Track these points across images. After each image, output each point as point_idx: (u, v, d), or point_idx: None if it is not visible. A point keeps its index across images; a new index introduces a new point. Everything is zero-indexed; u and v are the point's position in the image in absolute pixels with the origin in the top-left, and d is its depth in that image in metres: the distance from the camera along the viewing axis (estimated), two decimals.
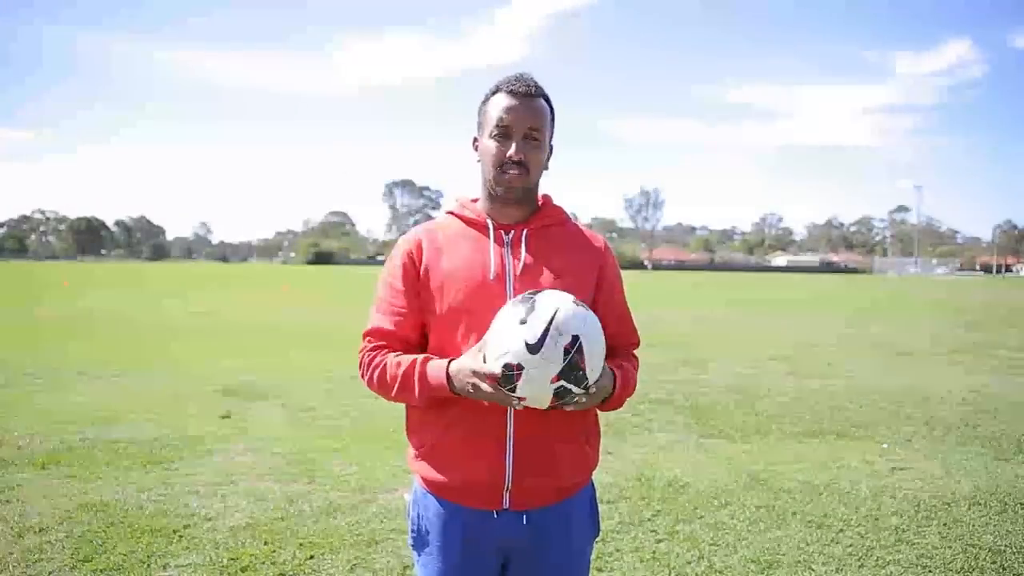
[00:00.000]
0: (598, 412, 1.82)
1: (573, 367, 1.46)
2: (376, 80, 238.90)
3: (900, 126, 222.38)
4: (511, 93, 1.70)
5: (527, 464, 1.67)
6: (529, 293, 1.55)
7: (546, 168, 1.77)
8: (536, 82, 1.72)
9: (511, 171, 1.68)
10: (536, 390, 1.47)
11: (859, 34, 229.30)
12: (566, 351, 1.45)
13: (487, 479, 1.67)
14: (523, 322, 1.47)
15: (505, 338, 1.48)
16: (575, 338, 1.46)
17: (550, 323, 1.46)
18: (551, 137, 1.76)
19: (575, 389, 1.48)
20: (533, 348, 1.45)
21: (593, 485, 1.86)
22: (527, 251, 1.72)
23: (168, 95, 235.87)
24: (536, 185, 1.75)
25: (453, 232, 1.76)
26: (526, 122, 1.68)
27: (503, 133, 1.68)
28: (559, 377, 1.46)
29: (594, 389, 1.53)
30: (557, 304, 1.49)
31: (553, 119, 1.76)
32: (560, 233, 1.78)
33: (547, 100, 1.74)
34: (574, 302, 1.53)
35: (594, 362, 1.50)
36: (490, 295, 1.66)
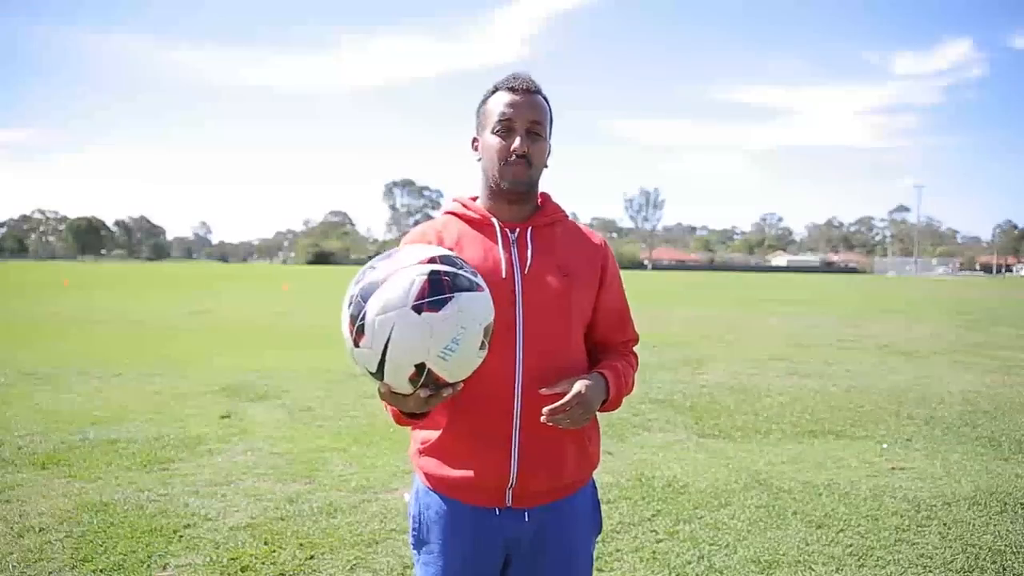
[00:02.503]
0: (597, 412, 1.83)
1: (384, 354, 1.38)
2: (377, 80, 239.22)
3: (900, 126, 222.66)
4: (511, 90, 1.71)
5: (531, 462, 1.67)
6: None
7: (546, 166, 1.77)
8: (534, 80, 1.74)
9: (515, 165, 1.68)
10: (394, 373, 1.38)
11: (859, 34, 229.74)
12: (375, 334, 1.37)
13: (491, 476, 1.67)
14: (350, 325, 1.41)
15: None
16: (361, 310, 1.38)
17: (356, 310, 1.38)
18: (550, 135, 1.78)
19: (432, 361, 1.36)
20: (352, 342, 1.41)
21: (594, 483, 1.87)
22: (533, 249, 1.72)
23: (168, 95, 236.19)
24: (538, 181, 1.76)
25: (457, 233, 1.75)
26: (528, 116, 1.69)
27: (506, 127, 1.69)
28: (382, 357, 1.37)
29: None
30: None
31: (552, 117, 1.77)
32: (563, 230, 1.79)
33: (546, 98, 1.76)
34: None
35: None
36: (500, 295, 1.65)
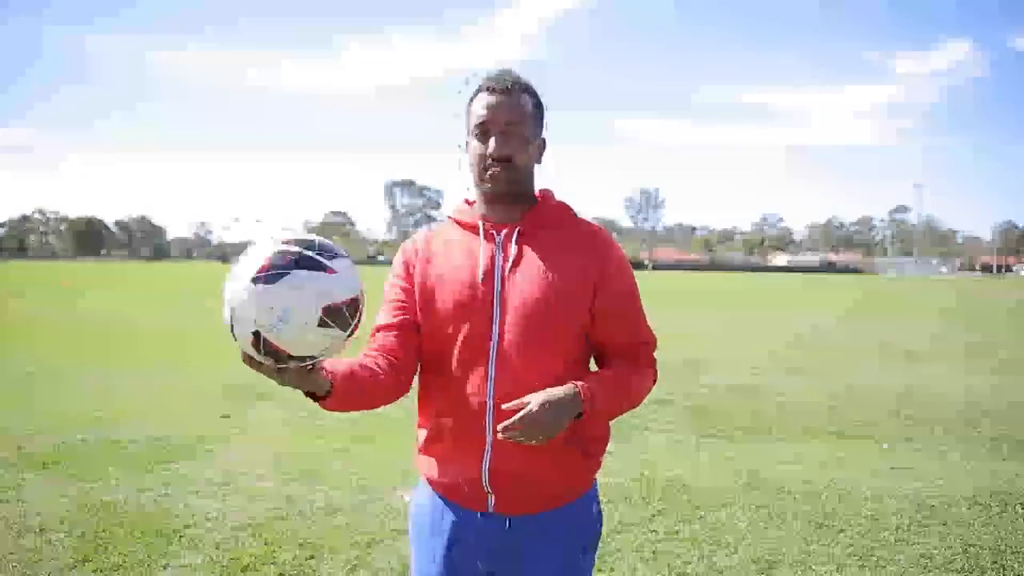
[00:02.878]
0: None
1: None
2: (377, 80, 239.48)
3: (900, 126, 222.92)
4: (489, 90, 1.66)
5: (505, 469, 1.64)
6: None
7: (538, 162, 1.73)
8: (516, 76, 1.68)
9: (493, 168, 1.64)
10: (241, 340, 1.47)
11: (859, 34, 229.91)
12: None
13: (468, 481, 1.66)
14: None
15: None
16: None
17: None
18: (539, 130, 1.72)
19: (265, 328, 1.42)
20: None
21: (595, 494, 1.78)
22: (518, 250, 1.68)
23: (169, 95, 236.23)
24: (526, 181, 1.71)
25: (449, 236, 1.75)
26: (503, 117, 1.64)
27: (482, 131, 1.65)
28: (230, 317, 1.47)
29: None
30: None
31: (540, 112, 1.72)
32: (558, 230, 1.72)
33: (531, 93, 1.70)
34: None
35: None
36: (478, 297, 1.64)
